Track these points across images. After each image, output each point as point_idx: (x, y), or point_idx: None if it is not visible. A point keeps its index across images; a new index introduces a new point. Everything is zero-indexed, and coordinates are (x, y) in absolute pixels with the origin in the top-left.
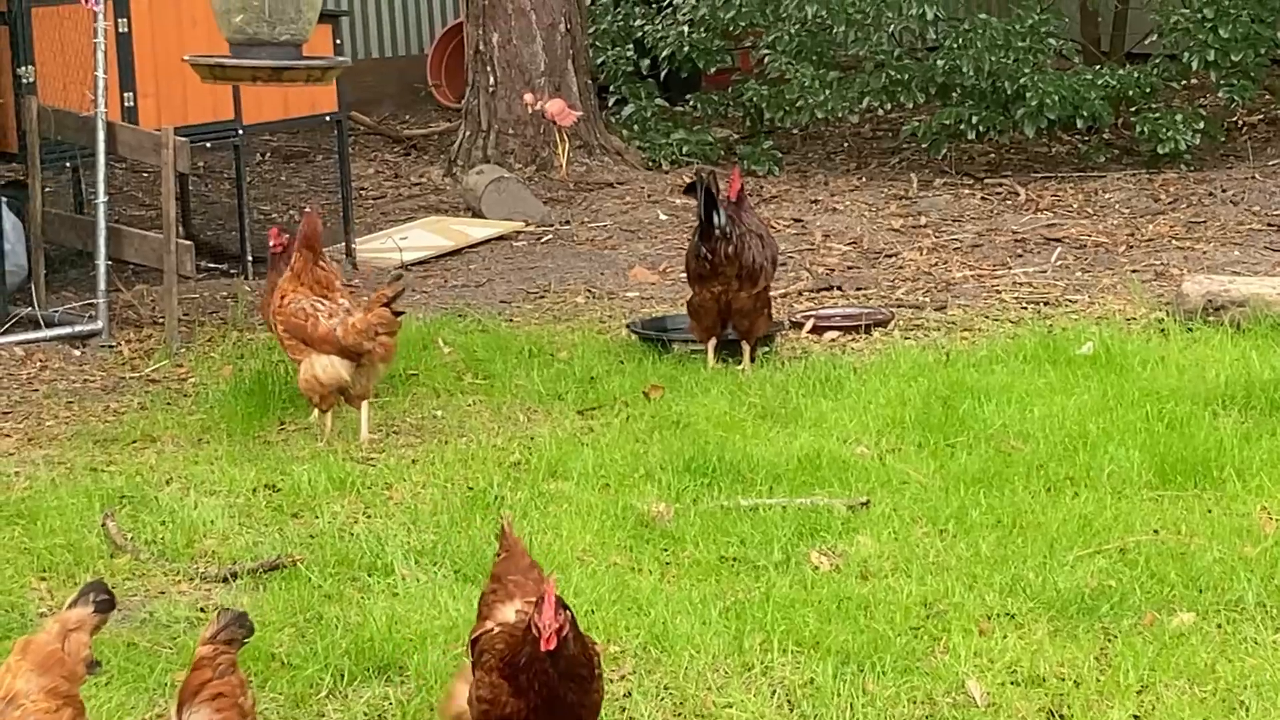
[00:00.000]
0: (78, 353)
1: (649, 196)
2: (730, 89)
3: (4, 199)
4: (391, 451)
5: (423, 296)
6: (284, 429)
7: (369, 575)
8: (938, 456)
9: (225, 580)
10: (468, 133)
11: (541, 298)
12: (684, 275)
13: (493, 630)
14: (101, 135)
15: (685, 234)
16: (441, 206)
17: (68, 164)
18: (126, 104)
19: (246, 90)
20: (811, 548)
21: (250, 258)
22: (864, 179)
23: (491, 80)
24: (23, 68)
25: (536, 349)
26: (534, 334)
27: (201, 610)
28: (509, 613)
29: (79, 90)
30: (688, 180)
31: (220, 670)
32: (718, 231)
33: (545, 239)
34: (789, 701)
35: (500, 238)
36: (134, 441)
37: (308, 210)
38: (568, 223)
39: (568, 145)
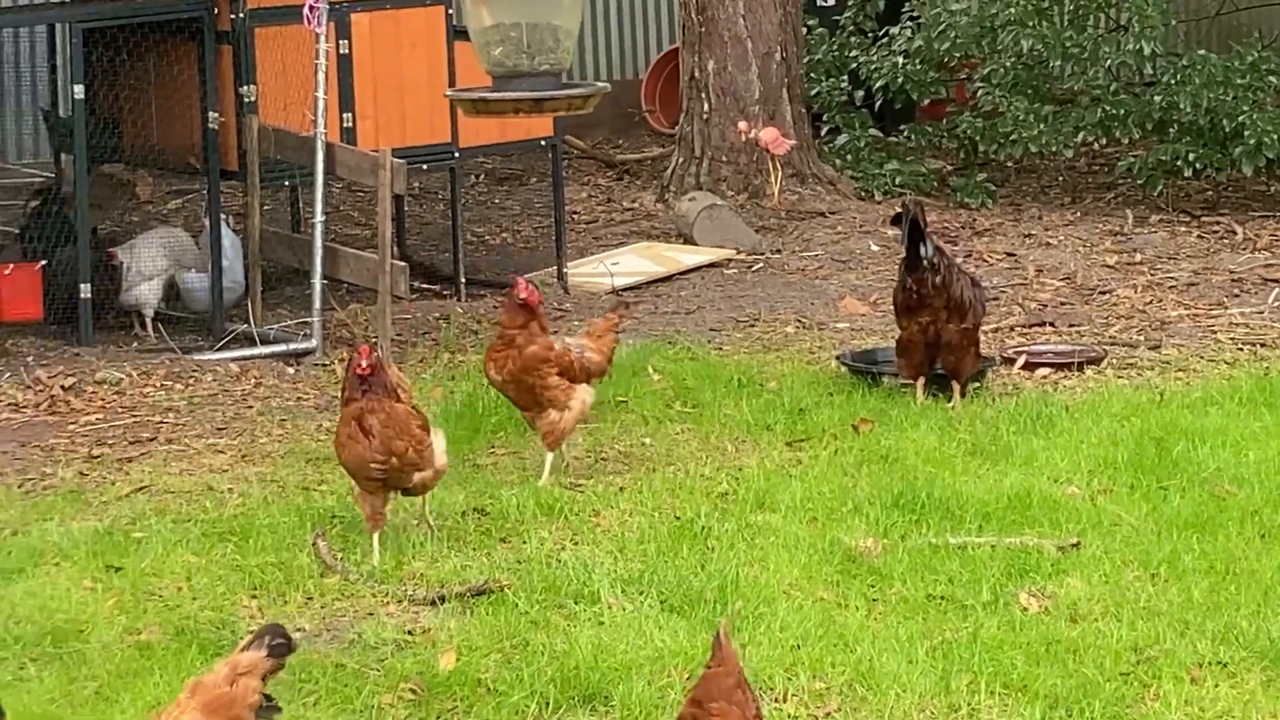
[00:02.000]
0: (291, 370)
1: (861, 227)
2: (944, 120)
3: (224, 217)
4: (600, 478)
5: (633, 323)
6: (493, 452)
7: (575, 603)
8: (1150, 499)
9: (433, 603)
10: (681, 159)
11: (751, 326)
12: (894, 308)
13: None
14: (320, 155)
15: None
16: (653, 232)
17: (286, 183)
18: (345, 125)
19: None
20: (1020, 588)
21: (464, 279)
22: (1078, 214)
23: (706, 107)
24: (245, 87)
25: (746, 378)
26: (743, 363)
27: (409, 633)
28: None
29: (299, 110)
30: (895, 211)
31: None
32: (925, 263)
33: (756, 267)
34: None
35: (711, 265)
36: None
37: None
38: (779, 251)
39: (780, 174)
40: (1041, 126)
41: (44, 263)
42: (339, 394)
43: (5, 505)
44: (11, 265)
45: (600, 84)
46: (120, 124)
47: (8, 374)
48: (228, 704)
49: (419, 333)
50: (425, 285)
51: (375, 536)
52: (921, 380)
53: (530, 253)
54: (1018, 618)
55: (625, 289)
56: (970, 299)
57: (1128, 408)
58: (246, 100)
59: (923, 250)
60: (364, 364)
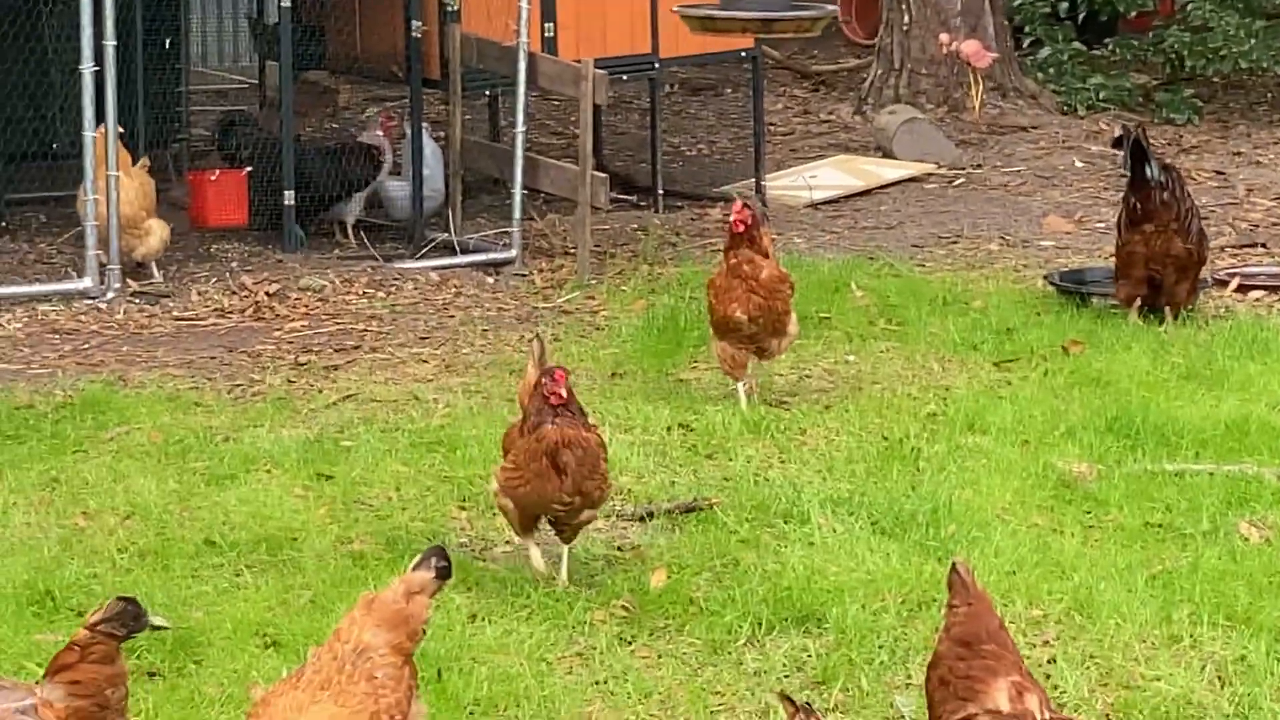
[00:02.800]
0: (491, 280)
1: (1064, 142)
2: (1150, 34)
3: (425, 126)
4: (804, 396)
5: (832, 237)
6: (695, 367)
7: (785, 522)
8: None
9: (641, 520)
10: (879, 71)
11: (954, 243)
12: (1100, 225)
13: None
14: (523, 65)
15: (1102, 183)
16: (850, 145)
17: (486, 93)
18: (547, 34)
19: (665, 24)
20: (1241, 518)
21: (661, 191)
22: None
23: (906, 19)
24: None
25: (950, 296)
26: (947, 281)
27: (618, 549)
28: (999, 696)
29: (501, 20)
30: (1116, 133)
31: (91, 657)
32: (1152, 183)
33: (957, 182)
34: (1219, 678)
35: (911, 179)
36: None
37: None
38: (979, 166)
39: (981, 87)
40: (1252, 42)
41: (249, 169)
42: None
43: (216, 410)
44: (218, 171)
45: (829, 6)
46: (324, 32)
47: (214, 279)
48: (404, 620)
49: (617, 244)
50: (622, 196)
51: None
52: (1137, 302)
53: (727, 165)
54: (1238, 548)
55: (823, 202)
56: (1196, 219)
57: None
58: (449, 9)
59: (1148, 171)
60: (561, 391)
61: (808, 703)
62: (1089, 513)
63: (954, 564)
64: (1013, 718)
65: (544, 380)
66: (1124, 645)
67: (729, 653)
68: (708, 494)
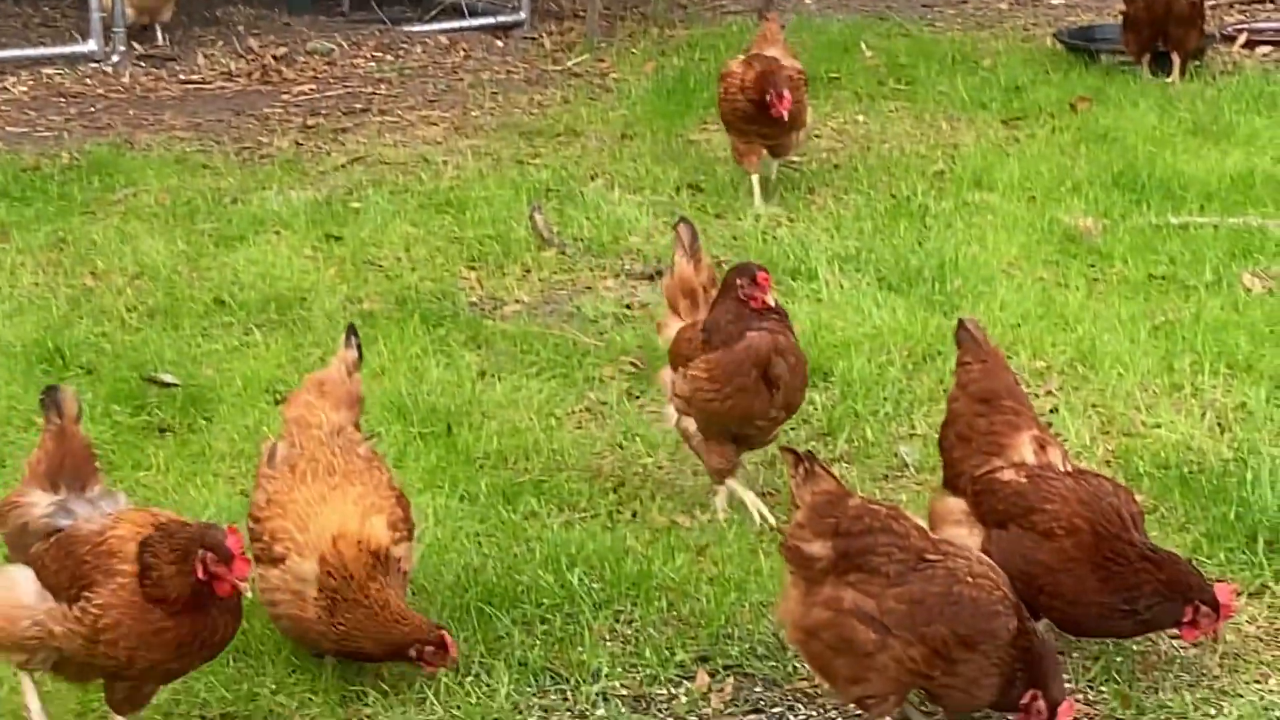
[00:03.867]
0: (500, 43)
1: None
2: None
3: None
4: (813, 156)
5: None
6: (705, 128)
7: (792, 280)
8: None
9: (650, 278)
10: None
11: (964, 2)
12: None
13: (1007, 476)
14: None
15: None
16: None
17: None
18: None
19: None
20: (1243, 269)
21: None
22: None
23: None
24: None
25: (960, 55)
26: (957, 40)
27: (627, 307)
28: (1024, 450)
29: None
30: None
31: None
32: None
33: None
34: (1219, 424)
35: None
36: (558, 135)
37: None
38: None
39: None
40: None
41: None
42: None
43: (224, 173)
44: None
45: None
46: None
47: (220, 43)
48: (356, 399)
49: (627, 6)
50: None
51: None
52: (1147, 56)
53: None
54: (1241, 298)
55: None
56: None
57: None
58: None
59: None
60: (768, 298)
61: (809, 451)
62: (1093, 266)
63: (961, 321)
64: (1038, 470)
65: (742, 282)
66: (1126, 394)
67: None
68: (717, 253)
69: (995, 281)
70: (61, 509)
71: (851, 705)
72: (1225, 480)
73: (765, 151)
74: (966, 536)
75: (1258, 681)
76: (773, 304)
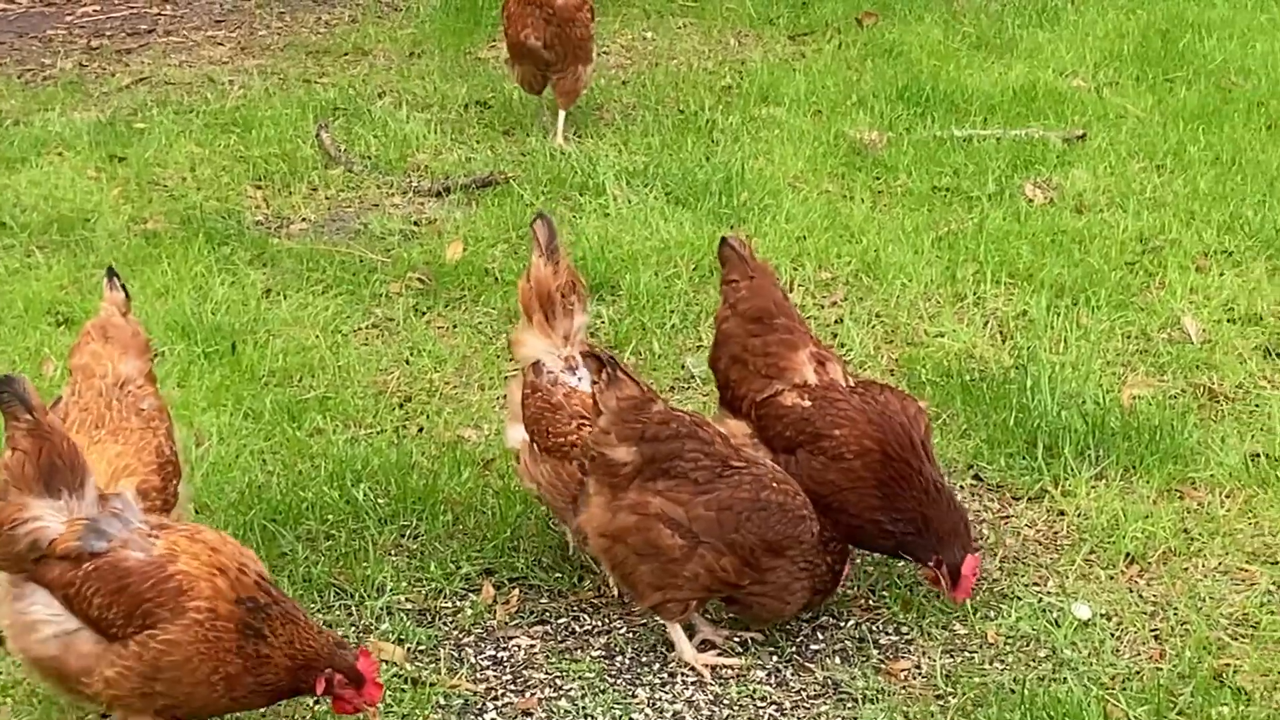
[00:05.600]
0: None
1: None
2: None
3: None
4: (601, 72)
5: None
6: (494, 46)
7: (580, 195)
8: (1156, 91)
9: (438, 195)
10: None
11: None
12: None
13: (790, 400)
14: None
15: None
16: None
17: None
18: None
19: None
20: (1026, 180)
21: None
22: None
23: None
24: None
25: None
26: None
27: (415, 224)
28: (805, 370)
29: None
30: None
31: None
32: None
33: None
34: (1001, 333)
35: None
36: (346, 54)
37: None
38: None
39: None
40: None
41: None
42: None
43: (5, 95)
44: None
45: None
46: None
47: None
48: (144, 344)
49: None
50: None
51: None
52: None
53: None
54: (1023, 209)
55: None
56: None
57: (1133, 0)
58: None
59: None
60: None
61: (612, 356)
62: (878, 179)
63: (724, 239)
64: (822, 389)
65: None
66: (909, 304)
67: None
68: (504, 168)
69: (781, 195)
70: (92, 530)
71: (648, 610)
72: (1006, 387)
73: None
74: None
75: (1036, 584)
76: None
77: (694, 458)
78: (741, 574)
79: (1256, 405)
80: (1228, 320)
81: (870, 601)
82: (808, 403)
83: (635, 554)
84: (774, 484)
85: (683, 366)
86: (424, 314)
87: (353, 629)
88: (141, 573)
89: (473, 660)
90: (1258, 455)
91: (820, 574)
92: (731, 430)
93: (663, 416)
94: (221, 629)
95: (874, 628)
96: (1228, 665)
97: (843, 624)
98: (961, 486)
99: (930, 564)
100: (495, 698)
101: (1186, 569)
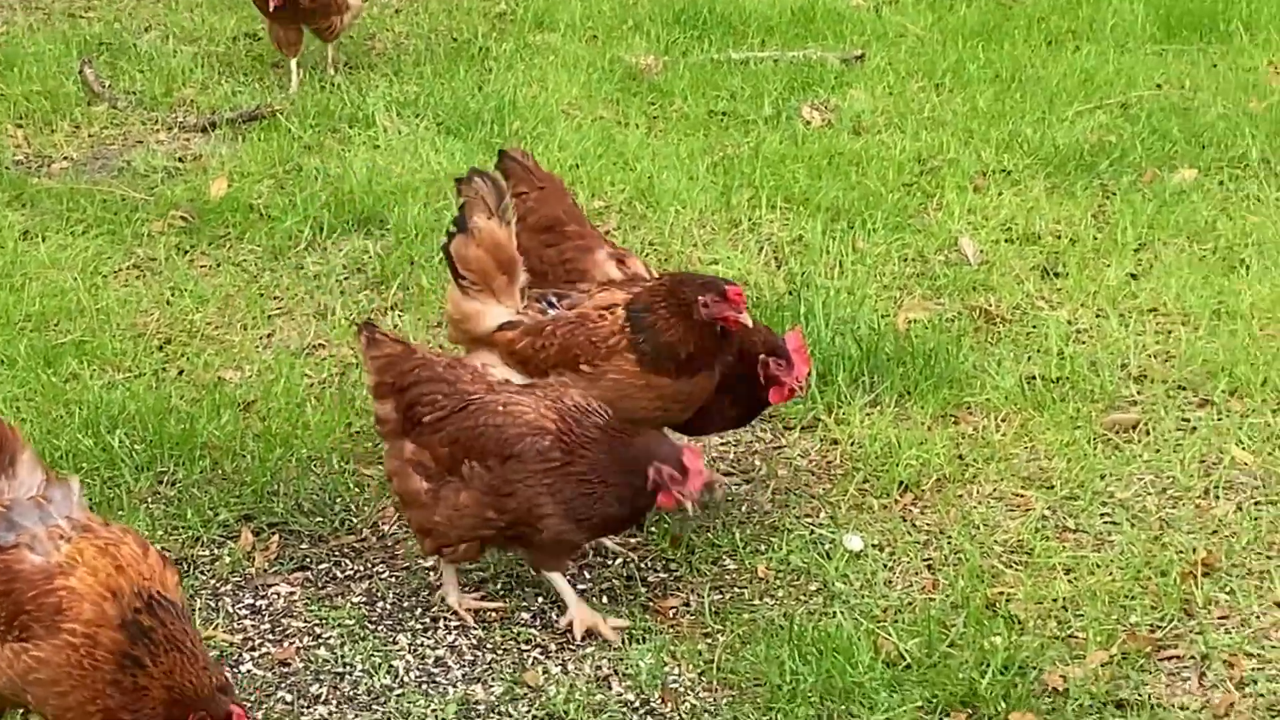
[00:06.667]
0: None
1: None
2: None
3: None
4: (374, 1)
5: None
6: None
7: (349, 127)
8: (935, 9)
9: (204, 130)
10: None
11: None
12: None
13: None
14: None
15: None
16: None
17: None
18: None
19: None
20: (804, 102)
21: None
22: None
23: None
24: None
25: None
26: None
27: (180, 160)
28: (607, 268)
29: None
30: None
31: None
32: None
33: None
34: (776, 259)
35: None
36: None
37: None
38: None
39: None
40: None
41: None
42: None
43: None
44: None
45: None
46: None
47: None
48: None
49: None
50: None
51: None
52: None
53: None
54: (800, 131)
55: None
56: None
57: None
58: None
59: None
60: (744, 317)
61: (370, 321)
62: (654, 104)
63: (503, 152)
64: (628, 283)
65: (706, 299)
66: (684, 231)
67: (289, 258)
68: (273, 101)
69: (555, 122)
70: (4, 519)
71: (432, 558)
72: (780, 314)
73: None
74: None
75: (808, 516)
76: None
77: (432, 400)
78: (482, 506)
79: (1033, 326)
80: (1005, 240)
81: (638, 539)
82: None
83: (403, 503)
84: (500, 408)
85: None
86: (187, 253)
87: None
88: (29, 579)
89: (230, 610)
90: (1034, 378)
91: (568, 498)
92: (485, 361)
93: (413, 365)
94: (100, 659)
95: (642, 565)
96: (1001, 594)
97: (610, 563)
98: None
99: (764, 367)
100: (252, 648)
101: (961, 496)
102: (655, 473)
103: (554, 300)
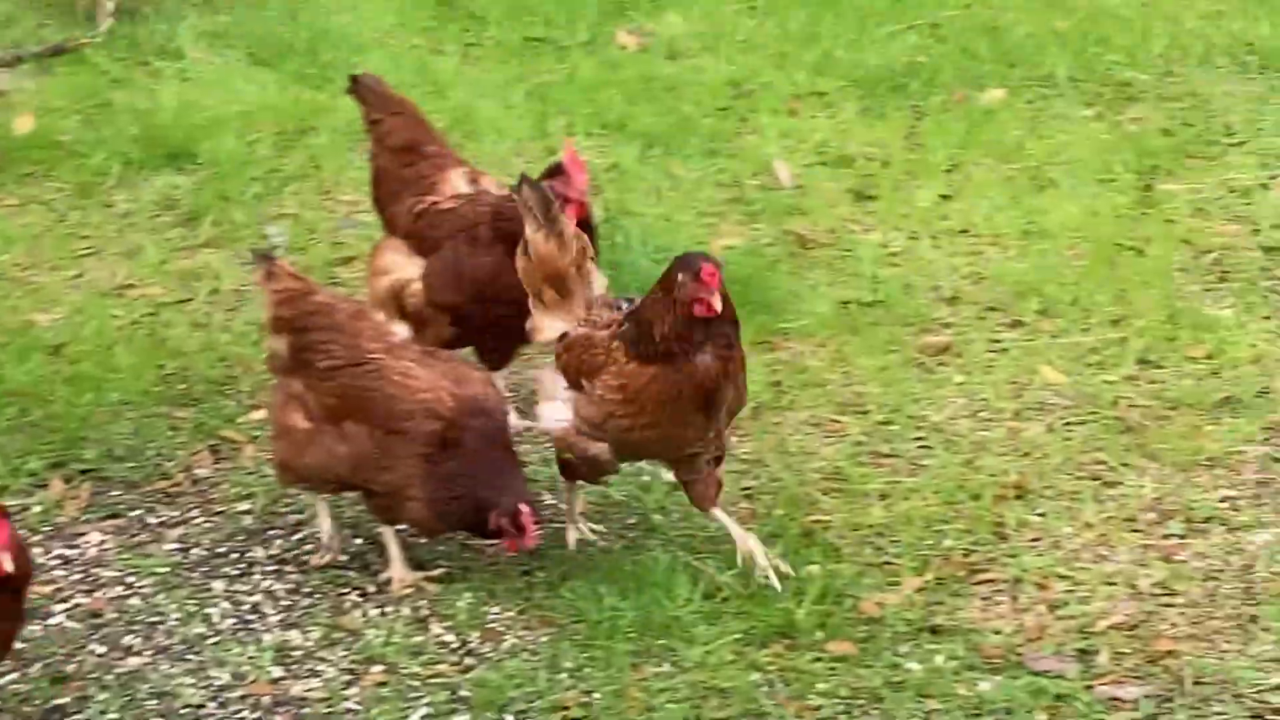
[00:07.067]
0: None
1: None
2: None
3: None
4: None
5: None
6: None
7: (159, 60)
8: None
9: (8, 65)
10: None
11: None
12: None
13: (446, 205)
14: None
15: None
16: None
17: None
18: None
19: None
20: (619, 27)
21: None
22: None
23: None
24: None
25: None
26: None
27: None
28: (457, 183)
29: None
30: None
31: None
32: None
33: None
34: (594, 185)
35: None
36: None
37: None
38: None
39: None
40: None
41: None
42: None
43: None
44: None
45: None
46: None
47: None
48: None
49: None
50: None
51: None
52: None
53: None
54: (616, 57)
55: None
56: None
57: None
58: None
59: None
60: (717, 301)
61: (271, 252)
62: (469, 31)
63: (355, 78)
64: (472, 196)
65: (682, 278)
66: (500, 160)
67: (98, 194)
68: (79, 34)
69: (369, 51)
70: None
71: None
72: (599, 243)
73: None
74: (405, 263)
75: None
76: (720, 308)
77: (328, 347)
78: (355, 466)
79: (848, 249)
80: (819, 164)
81: None
82: (461, 203)
83: (275, 434)
84: (396, 376)
85: (264, 236)
86: None
87: None
88: None
89: (40, 561)
90: (848, 302)
91: (434, 491)
92: (388, 244)
93: (313, 308)
94: None
95: None
96: (818, 522)
97: None
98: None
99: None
100: (63, 600)
101: (778, 423)
102: (495, 519)
103: (628, 302)
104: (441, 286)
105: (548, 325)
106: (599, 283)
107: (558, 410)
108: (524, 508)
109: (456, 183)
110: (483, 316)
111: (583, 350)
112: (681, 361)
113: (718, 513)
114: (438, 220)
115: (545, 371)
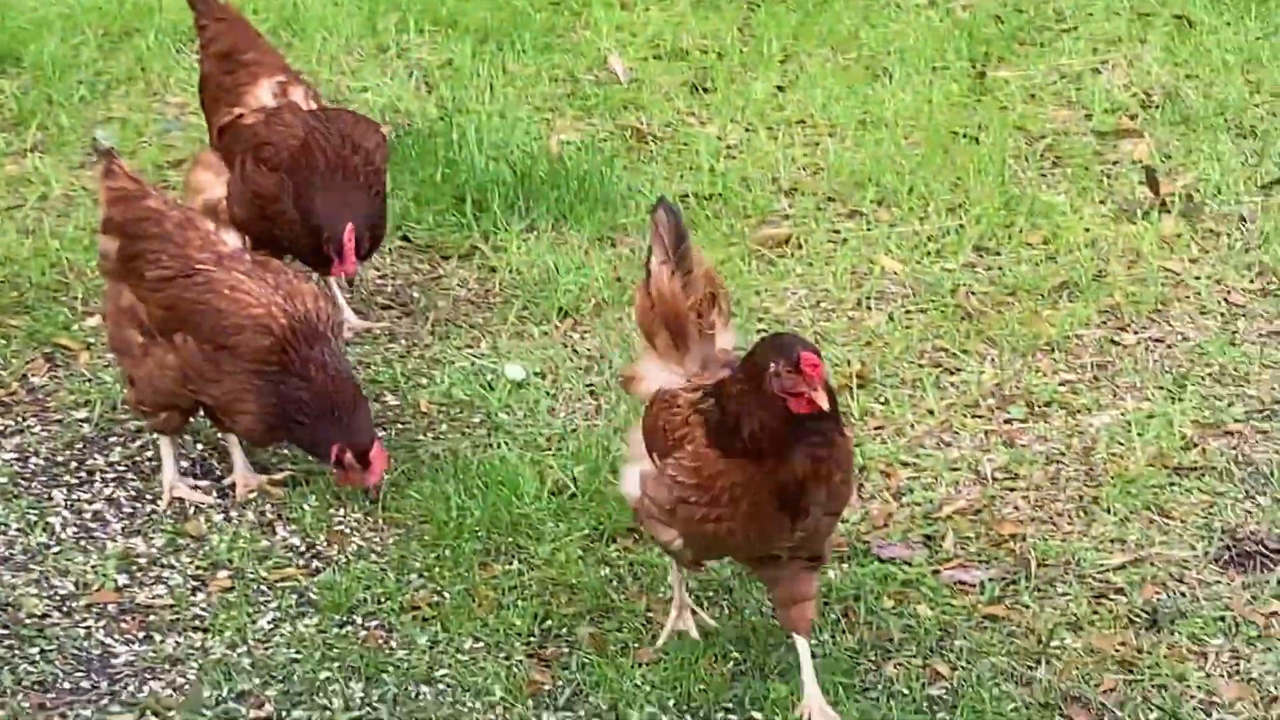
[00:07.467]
0: None
1: None
2: None
3: None
4: None
5: None
6: None
7: None
8: None
9: None
10: None
11: None
12: None
13: (249, 120)
14: None
15: None
16: None
17: None
18: None
19: None
20: None
21: None
22: None
23: None
24: None
25: None
26: None
27: None
28: (263, 95)
29: None
30: None
31: None
32: None
33: None
34: (427, 84)
35: None
36: None
37: None
38: None
39: None
40: None
41: None
42: None
43: None
44: None
45: None
46: None
47: None
48: None
49: None
50: None
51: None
52: None
53: None
54: None
55: None
56: None
57: None
58: None
59: None
60: (822, 399)
61: (111, 149)
62: None
63: None
64: (276, 110)
65: (777, 367)
66: (331, 59)
67: None
68: None
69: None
70: None
71: (135, 416)
72: (432, 141)
73: None
74: (215, 182)
75: (469, 347)
76: (826, 406)
77: (156, 256)
78: (185, 378)
79: (685, 143)
80: (654, 57)
81: None
82: (260, 119)
83: (113, 349)
84: (226, 290)
85: (94, 140)
86: None
87: None
88: None
89: None
90: (687, 195)
91: (268, 405)
92: (204, 159)
93: (145, 213)
94: None
95: None
96: None
97: None
98: (389, 250)
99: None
100: None
101: (620, 319)
102: (338, 452)
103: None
104: (233, 204)
105: (651, 375)
106: (725, 341)
107: (638, 480)
108: (377, 446)
109: (263, 95)
110: (273, 237)
111: (663, 409)
112: (769, 459)
113: (802, 644)
114: (236, 135)
115: (636, 429)
